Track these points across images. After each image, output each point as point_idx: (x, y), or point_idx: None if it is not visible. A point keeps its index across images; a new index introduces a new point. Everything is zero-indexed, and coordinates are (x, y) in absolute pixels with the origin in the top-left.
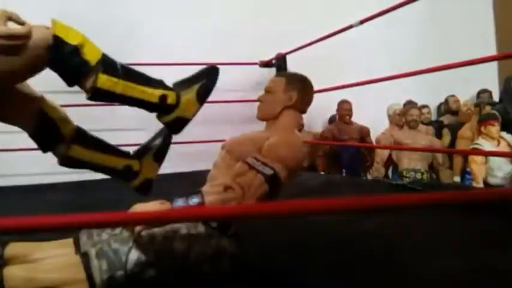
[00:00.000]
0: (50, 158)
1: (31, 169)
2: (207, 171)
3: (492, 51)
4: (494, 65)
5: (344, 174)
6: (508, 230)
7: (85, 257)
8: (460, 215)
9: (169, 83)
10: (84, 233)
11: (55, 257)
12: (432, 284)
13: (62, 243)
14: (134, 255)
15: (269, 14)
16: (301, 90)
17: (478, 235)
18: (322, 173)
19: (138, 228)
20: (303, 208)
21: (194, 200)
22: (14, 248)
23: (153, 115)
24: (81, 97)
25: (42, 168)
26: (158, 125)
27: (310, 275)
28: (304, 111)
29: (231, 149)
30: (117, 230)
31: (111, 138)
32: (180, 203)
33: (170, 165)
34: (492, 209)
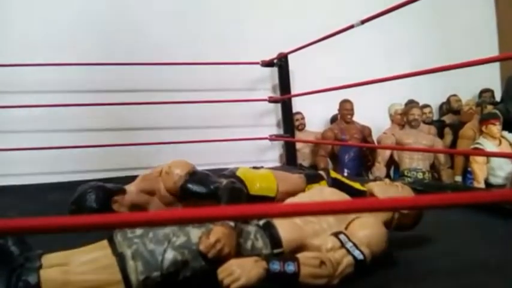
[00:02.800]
0: (51, 158)
1: (31, 169)
2: (211, 170)
3: (494, 50)
4: (496, 64)
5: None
6: None
7: (121, 258)
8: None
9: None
10: (118, 232)
11: (91, 260)
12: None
13: (96, 246)
14: (170, 254)
15: (271, 13)
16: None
17: None
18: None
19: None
20: (313, 208)
21: (290, 268)
22: (49, 259)
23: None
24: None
25: (42, 168)
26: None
27: None
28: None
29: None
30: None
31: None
32: (276, 266)
33: None
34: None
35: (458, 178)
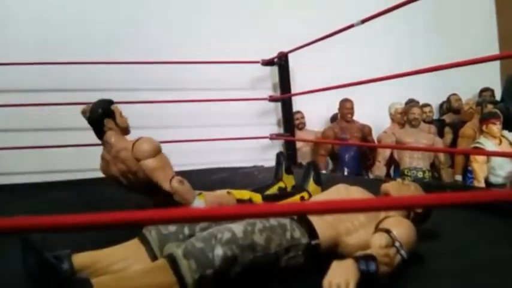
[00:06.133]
0: (51, 157)
1: (32, 167)
2: (211, 169)
3: (494, 50)
4: (496, 63)
5: (346, 173)
6: None
7: (172, 259)
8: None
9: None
10: (150, 230)
11: (134, 262)
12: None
13: (127, 246)
14: (220, 251)
15: (271, 12)
16: None
17: None
18: (324, 172)
19: None
20: (316, 208)
21: (372, 268)
22: (79, 259)
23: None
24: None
25: (42, 166)
26: None
27: None
28: None
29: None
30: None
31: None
32: (363, 266)
33: (175, 163)
34: None
35: (459, 177)
